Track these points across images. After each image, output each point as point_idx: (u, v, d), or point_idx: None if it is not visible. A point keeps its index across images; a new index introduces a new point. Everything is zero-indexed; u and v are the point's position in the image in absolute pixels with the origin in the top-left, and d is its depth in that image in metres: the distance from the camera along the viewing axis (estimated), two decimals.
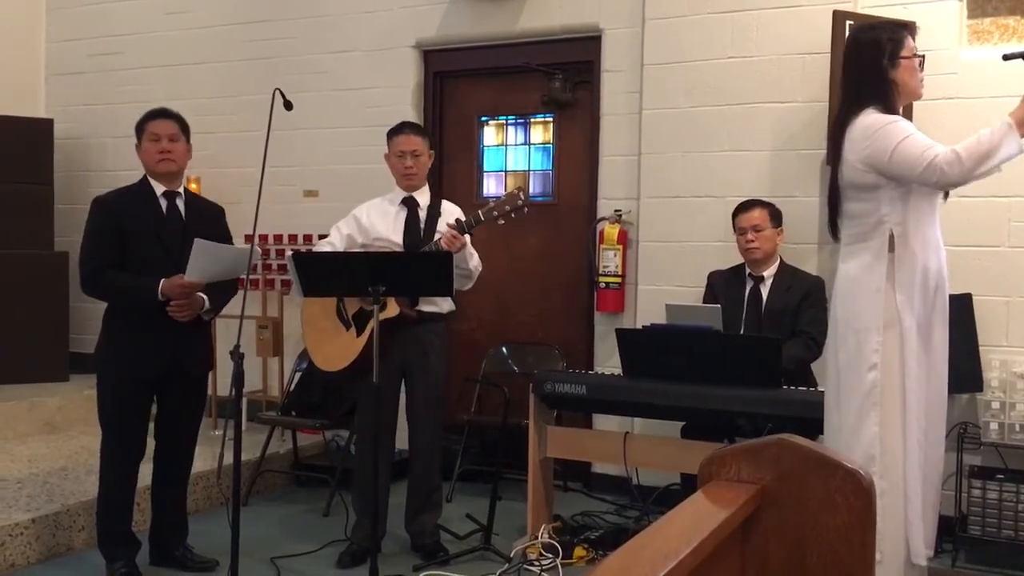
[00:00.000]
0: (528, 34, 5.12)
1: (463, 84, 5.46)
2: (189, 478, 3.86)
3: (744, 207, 4.13)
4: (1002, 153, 2.71)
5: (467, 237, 3.74)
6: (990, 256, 4.06)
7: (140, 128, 3.64)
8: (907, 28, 3.00)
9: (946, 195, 2.97)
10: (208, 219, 3.71)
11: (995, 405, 3.93)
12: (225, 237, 3.72)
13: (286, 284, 5.38)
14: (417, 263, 3.58)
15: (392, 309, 3.67)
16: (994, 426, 3.91)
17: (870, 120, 2.84)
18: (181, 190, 3.68)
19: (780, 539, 1.52)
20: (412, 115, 5.33)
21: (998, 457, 3.96)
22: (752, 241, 4.02)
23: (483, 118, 5.43)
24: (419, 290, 3.70)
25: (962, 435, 3.91)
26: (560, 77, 5.09)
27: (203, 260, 3.41)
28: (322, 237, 5.15)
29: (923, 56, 2.97)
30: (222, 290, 3.62)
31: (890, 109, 2.86)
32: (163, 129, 3.60)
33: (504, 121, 5.40)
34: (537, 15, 5.07)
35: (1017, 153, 2.76)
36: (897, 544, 2.67)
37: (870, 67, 2.90)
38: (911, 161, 2.74)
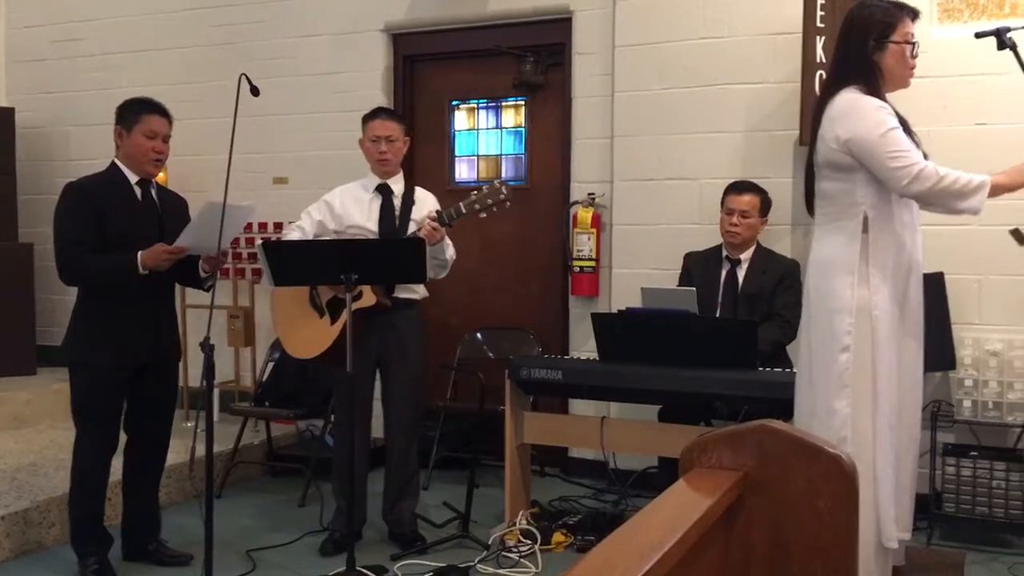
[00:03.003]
0: (498, 16, 5.06)
1: (433, 68, 5.40)
2: (163, 470, 3.80)
3: (738, 189, 4.09)
4: (966, 203, 2.70)
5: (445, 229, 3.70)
6: (962, 235, 4.07)
7: (131, 117, 3.49)
8: (907, 11, 2.85)
9: None
10: (177, 209, 3.66)
11: (968, 383, 3.96)
12: None
13: (257, 273, 5.31)
14: (389, 250, 3.53)
15: (368, 298, 3.62)
16: (967, 404, 3.94)
17: (852, 100, 2.77)
18: (154, 179, 3.61)
19: (763, 525, 1.51)
20: (382, 100, 5.27)
21: (971, 435, 4.00)
22: (736, 225, 4.00)
23: (454, 102, 5.37)
24: (392, 277, 3.65)
25: (935, 413, 3.93)
26: (531, 60, 5.05)
27: (205, 223, 3.31)
28: None
29: (916, 43, 2.86)
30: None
31: (873, 91, 2.78)
32: (161, 127, 3.52)
33: (475, 105, 5.35)
34: None
35: (975, 212, 2.73)
36: (867, 527, 2.65)
37: (856, 46, 2.82)
38: (889, 156, 2.68)
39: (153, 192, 3.58)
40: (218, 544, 3.31)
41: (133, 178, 3.52)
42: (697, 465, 1.52)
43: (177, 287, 3.74)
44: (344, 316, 3.58)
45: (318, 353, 3.70)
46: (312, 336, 3.73)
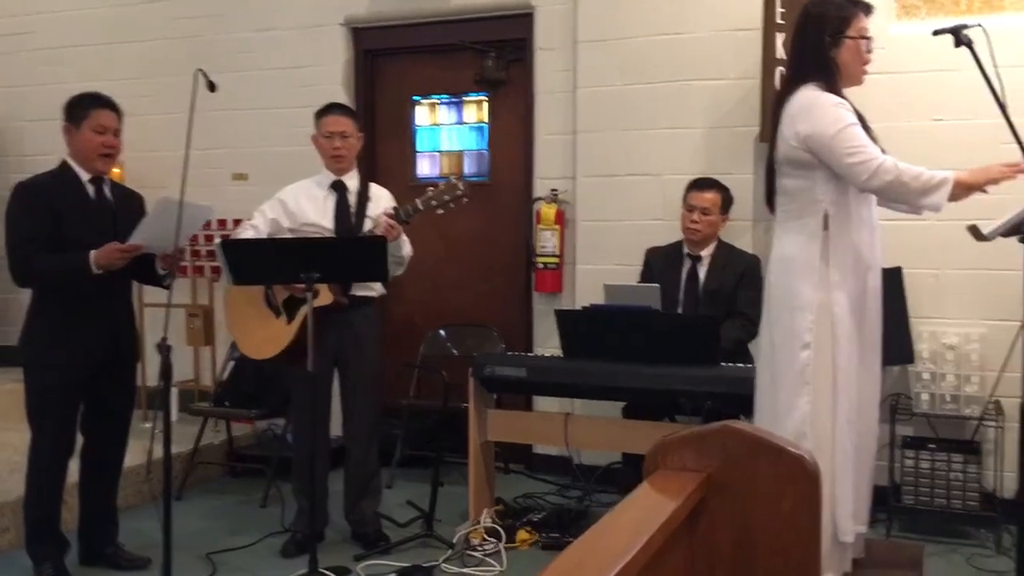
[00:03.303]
0: (460, 11, 5.04)
1: (395, 63, 5.35)
2: (120, 472, 3.73)
3: (700, 185, 4.08)
4: (928, 200, 2.72)
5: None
6: (920, 230, 4.11)
7: (79, 113, 3.42)
8: (861, 6, 2.86)
9: None
10: (132, 206, 3.59)
11: (926, 376, 4.01)
12: None
13: (216, 271, 5.23)
14: (351, 249, 3.50)
15: (325, 296, 3.58)
16: (925, 397, 3.99)
17: (811, 97, 2.78)
18: (106, 176, 3.54)
19: (727, 526, 1.51)
20: (343, 94, 5.22)
21: (929, 427, 4.05)
22: (696, 223, 4.00)
23: (416, 97, 5.33)
24: (354, 276, 3.62)
25: (894, 406, 3.98)
26: (493, 55, 5.03)
27: (159, 220, 3.25)
28: None
29: (871, 39, 2.87)
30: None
31: (832, 88, 2.79)
32: (110, 122, 3.44)
33: (437, 100, 5.31)
34: None
35: (937, 209, 2.75)
36: (824, 524, 2.67)
37: (813, 42, 2.83)
38: (847, 152, 2.70)
39: (106, 189, 3.51)
40: (177, 547, 3.26)
41: (85, 176, 3.44)
42: (662, 467, 1.52)
43: (135, 285, 3.67)
44: (301, 315, 3.56)
45: (276, 353, 3.66)
46: (269, 336, 3.69)
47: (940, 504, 3.90)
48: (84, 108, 3.43)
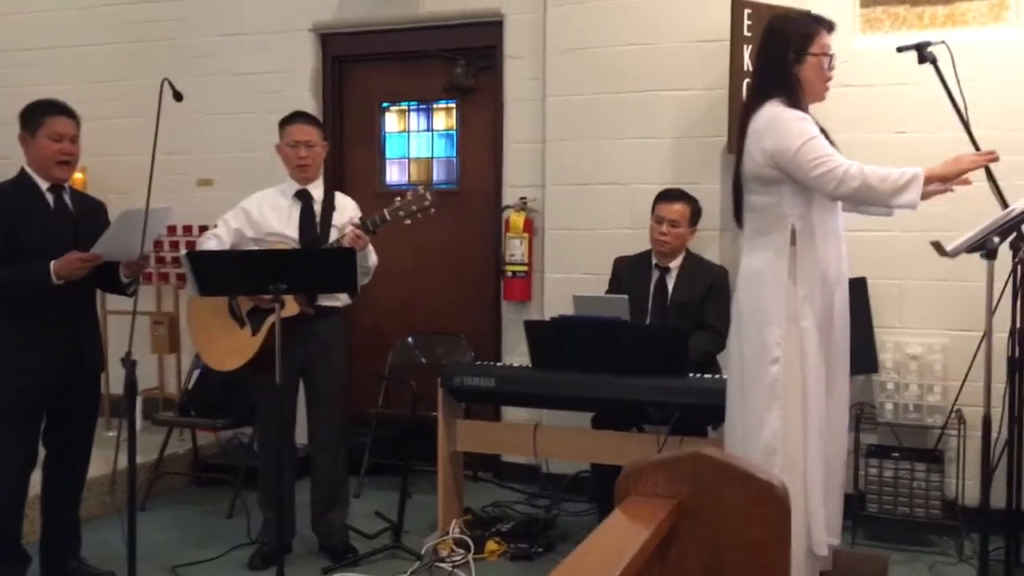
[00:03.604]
0: (429, 18, 5.02)
1: (363, 69, 5.32)
2: (84, 484, 3.68)
3: (668, 197, 4.08)
4: (901, 199, 2.73)
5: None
6: (884, 241, 4.17)
7: (34, 121, 3.36)
8: (823, 24, 2.90)
9: None
10: (93, 214, 3.53)
11: (890, 386, 4.06)
12: None
13: (181, 278, 5.17)
14: (321, 260, 3.47)
15: (291, 307, 3.55)
16: (889, 406, 4.05)
17: (774, 113, 2.81)
18: (66, 184, 3.48)
19: (698, 552, 1.51)
20: (310, 101, 5.19)
21: (893, 436, 4.11)
22: (665, 235, 4.01)
23: (384, 104, 5.31)
24: (323, 287, 3.59)
25: (859, 415, 4.03)
26: (463, 63, 5.02)
27: (122, 231, 3.20)
28: None
29: (833, 56, 2.90)
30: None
31: (795, 103, 2.82)
32: (67, 128, 3.37)
33: (406, 107, 5.29)
34: None
35: (912, 206, 2.75)
36: (798, 537, 2.70)
37: (776, 59, 2.86)
38: (812, 164, 2.72)
39: (67, 197, 3.45)
40: (142, 560, 3.21)
41: (44, 184, 3.39)
42: (633, 493, 1.52)
43: (99, 293, 3.61)
44: (267, 326, 3.54)
45: (240, 365, 3.63)
46: (234, 347, 3.65)
47: (903, 512, 3.95)
48: (39, 115, 3.37)
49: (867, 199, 2.80)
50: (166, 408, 5.05)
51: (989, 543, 3.26)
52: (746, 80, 4.13)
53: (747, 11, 4.17)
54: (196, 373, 4.85)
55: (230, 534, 4.05)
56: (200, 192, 5.41)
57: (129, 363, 2.87)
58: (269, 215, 3.73)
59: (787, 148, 2.75)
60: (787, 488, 1.52)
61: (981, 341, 3.26)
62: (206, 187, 5.43)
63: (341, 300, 3.80)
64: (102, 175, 5.21)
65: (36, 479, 3.49)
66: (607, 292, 4.20)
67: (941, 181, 2.79)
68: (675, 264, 4.06)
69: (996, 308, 3.13)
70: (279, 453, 3.58)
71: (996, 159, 2.85)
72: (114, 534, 3.68)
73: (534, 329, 3.80)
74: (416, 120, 5.28)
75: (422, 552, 3.77)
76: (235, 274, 3.38)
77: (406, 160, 5.31)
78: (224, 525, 4.24)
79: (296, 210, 3.74)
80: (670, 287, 4.04)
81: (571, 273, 4.66)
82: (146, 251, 3.30)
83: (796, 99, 2.84)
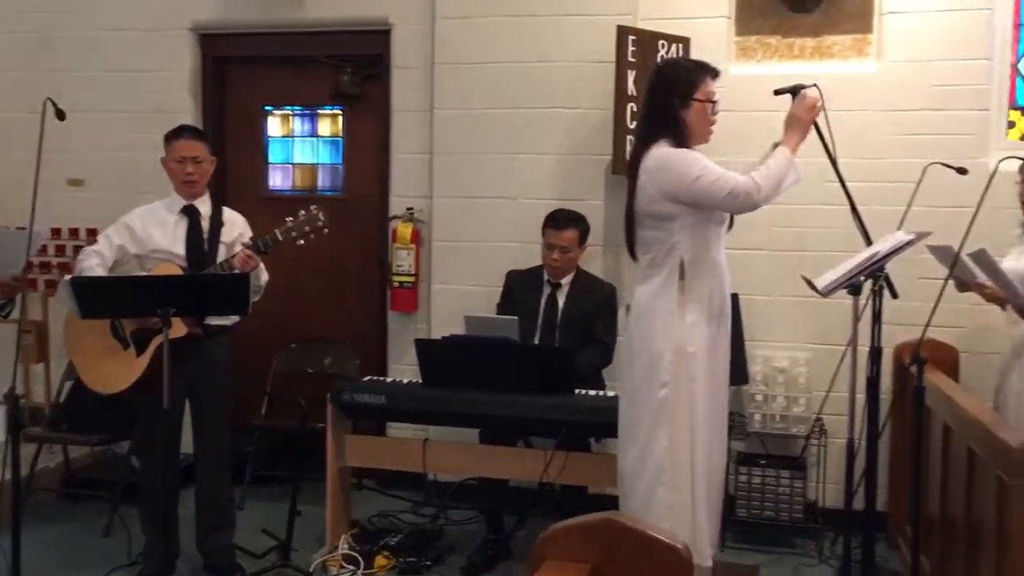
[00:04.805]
0: (316, 23, 4.95)
1: (246, 71, 5.21)
2: None
3: (556, 224, 4.14)
4: (787, 181, 2.97)
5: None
6: (755, 259, 4.41)
7: None
8: (709, 71, 3.07)
9: (731, 224, 3.17)
10: None
11: (759, 397, 4.32)
12: None
13: (51, 285, 4.96)
14: (213, 286, 3.40)
15: (179, 328, 3.47)
16: (758, 416, 4.31)
17: (664, 152, 2.96)
18: None
19: None
20: (189, 102, 5.06)
21: (761, 444, 4.37)
22: (556, 260, 4.11)
23: (268, 108, 5.21)
24: (215, 311, 3.52)
25: (730, 425, 4.24)
26: (349, 70, 4.99)
27: None
28: (91, 232, 4.80)
29: (717, 102, 3.07)
30: None
31: (681, 145, 2.98)
32: None
33: (291, 112, 5.22)
34: (324, 3, 4.91)
35: (796, 181, 2.99)
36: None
37: (661, 103, 3.02)
38: (714, 190, 2.89)
39: None
40: None
41: None
42: (548, 557, 1.61)
43: None
44: (152, 348, 3.46)
45: (124, 387, 3.53)
46: (116, 369, 3.55)
47: (769, 516, 4.22)
48: None
49: (768, 201, 2.98)
50: (33, 419, 4.83)
51: (851, 544, 3.50)
52: (630, 104, 4.29)
53: (631, 37, 4.31)
54: (68, 384, 4.67)
55: (108, 554, 3.94)
56: (70, 192, 5.19)
57: (12, 398, 2.75)
58: (154, 232, 3.63)
59: (684, 179, 2.91)
60: (690, 550, 1.64)
61: (843, 355, 3.52)
62: (77, 187, 5.21)
63: (230, 319, 3.74)
64: None
65: None
66: (499, 304, 4.30)
67: (802, 133, 3.03)
68: (566, 281, 4.18)
69: (856, 332, 3.36)
70: (164, 471, 3.49)
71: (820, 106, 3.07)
72: None
73: (425, 348, 3.86)
74: (300, 125, 5.22)
75: (311, 569, 3.78)
76: (120, 298, 3.29)
77: (290, 166, 5.24)
78: (102, 545, 4.12)
79: (183, 226, 3.66)
80: (561, 303, 4.16)
81: (458, 285, 4.72)
82: (16, 271, 3.18)
83: (682, 141, 3.00)
